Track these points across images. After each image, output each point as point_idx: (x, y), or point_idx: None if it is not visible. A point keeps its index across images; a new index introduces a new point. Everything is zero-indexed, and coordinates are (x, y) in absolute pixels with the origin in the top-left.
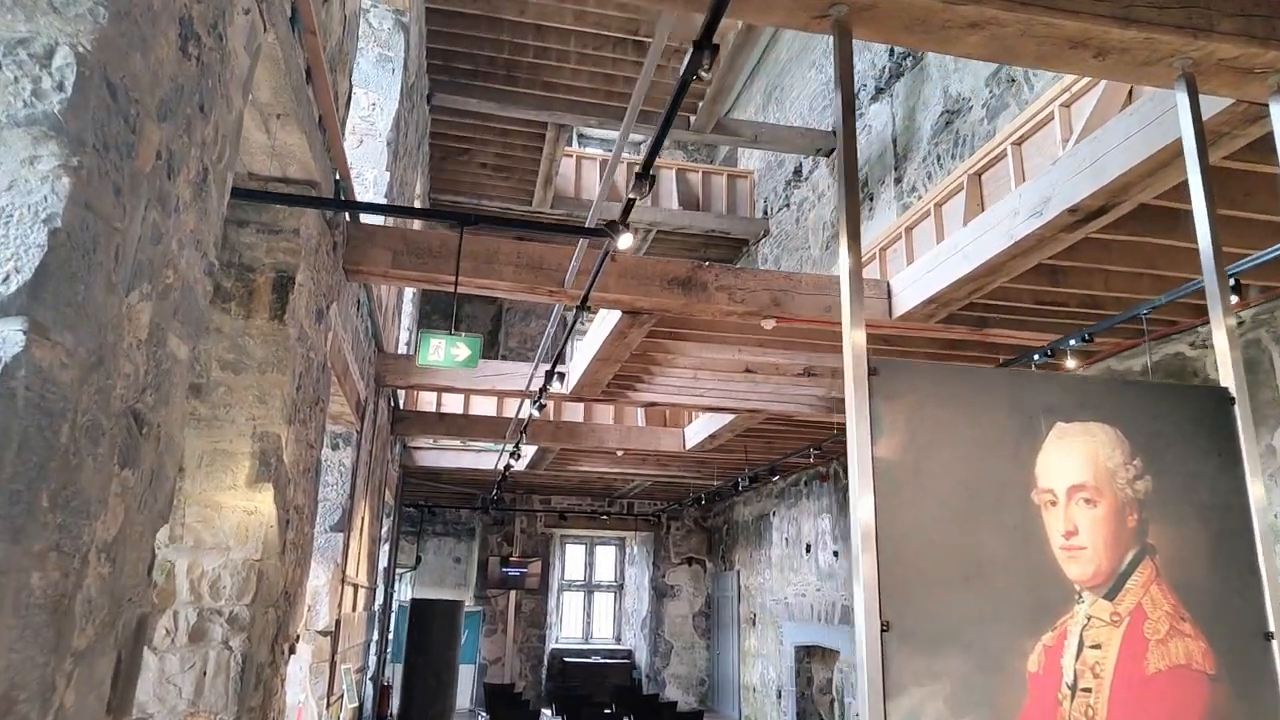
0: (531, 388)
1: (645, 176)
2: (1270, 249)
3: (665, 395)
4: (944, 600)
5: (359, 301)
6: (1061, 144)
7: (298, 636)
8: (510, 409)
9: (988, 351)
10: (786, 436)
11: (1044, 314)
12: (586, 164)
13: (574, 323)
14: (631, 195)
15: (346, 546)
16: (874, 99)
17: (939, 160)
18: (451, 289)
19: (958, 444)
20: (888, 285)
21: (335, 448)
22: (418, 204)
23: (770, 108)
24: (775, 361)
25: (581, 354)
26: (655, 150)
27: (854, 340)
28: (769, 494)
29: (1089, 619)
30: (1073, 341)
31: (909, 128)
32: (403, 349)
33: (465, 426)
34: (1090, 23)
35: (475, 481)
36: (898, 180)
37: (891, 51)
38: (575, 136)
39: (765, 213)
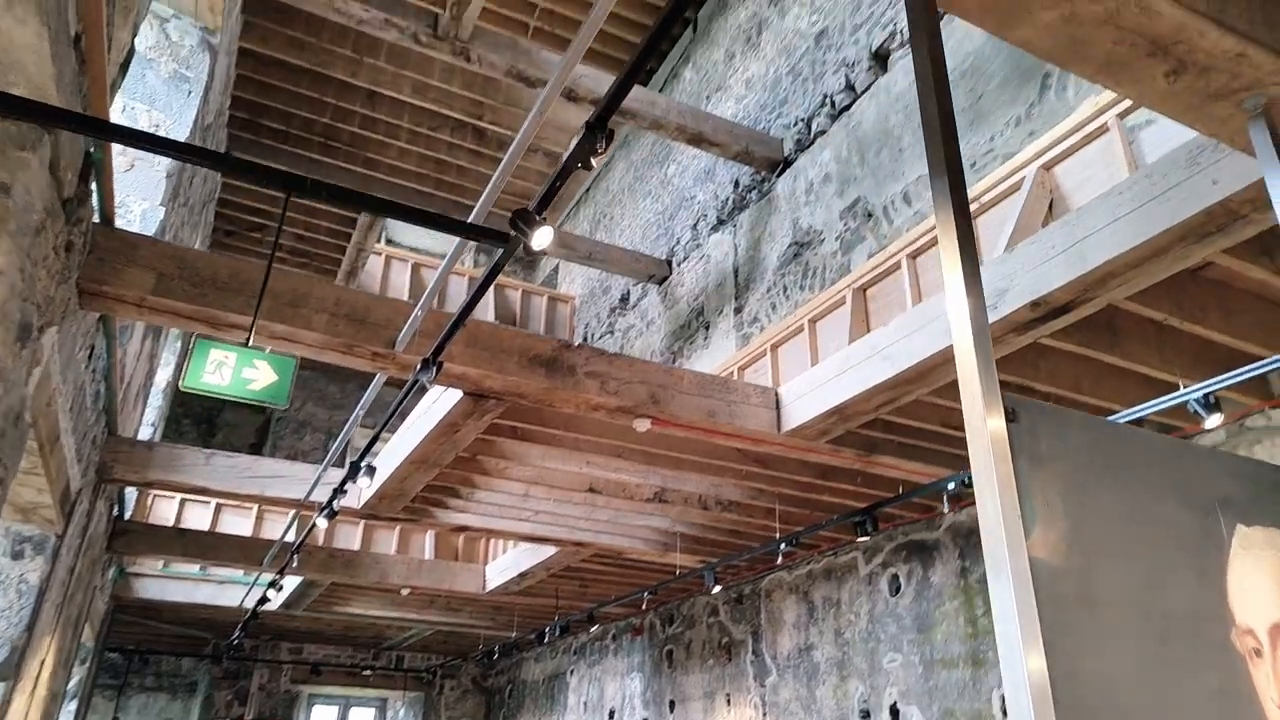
0: (316, 498)
1: (542, 213)
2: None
3: (483, 517)
4: None
5: (93, 351)
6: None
7: None
8: (272, 528)
9: (867, 485)
10: (608, 579)
11: (944, 441)
12: (397, 265)
13: (400, 401)
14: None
15: (7, 705)
16: (714, 229)
17: (785, 291)
18: (238, 338)
19: (1130, 548)
20: (776, 394)
21: (18, 555)
22: None
23: (598, 235)
24: (626, 480)
25: (389, 453)
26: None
27: (977, 351)
28: (566, 649)
29: None
30: (951, 486)
31: (753, 258)
32: (146, 430)
33: (211, 547)
34: (1189, 17)
35: (210, 623)
36: (738, 310)
37: (736, 184)
38: (384, 235)
39: (585, 339)
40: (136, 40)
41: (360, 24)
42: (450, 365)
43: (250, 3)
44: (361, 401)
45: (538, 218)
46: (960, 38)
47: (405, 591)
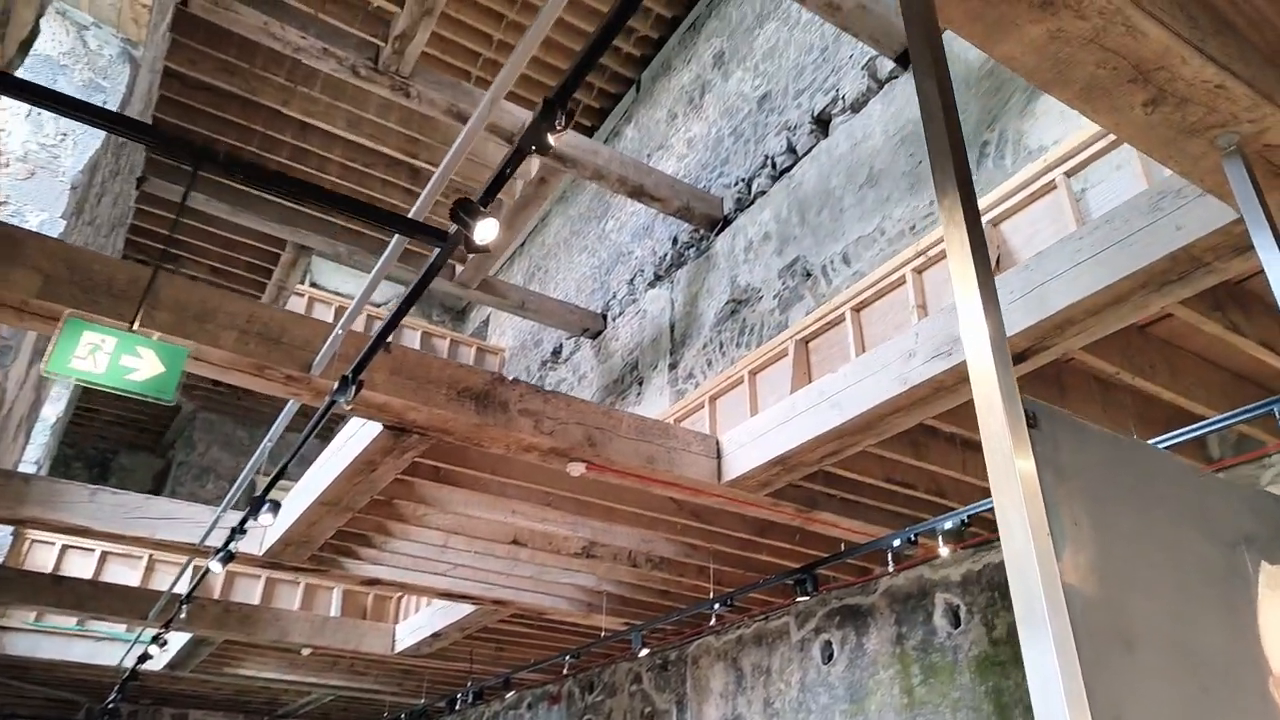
0: (214, 543)
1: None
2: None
3: (397, 570)
4: None
5: None
6: (916, 310)
7: None
8: (164, 580)
9: (806, 544)
10: (527, 642)
11: (886, 498)
12: (320, 308)
13: (313, 428)
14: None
15: None
16: (652, 284)
17: (722, 347)
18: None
19: (1159, 580)
20: (717, 443)
21: None
22: None
23: (532, 287)
24: (553, 532)
25: (298, 494)
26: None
27: (990, 331)
28: (478, 718)
29: None
30: (898, 542)
31: (690, 314)
32: (28, 468)
33: (91, 598)
34: (1173, 41)
35: (84, 684)
36: (672, 365)
37: (675, 240)
38: (308, 276)
39: None
40: (49, 44)
41: (297, 51)
42: (371, 394)
43: (180, 21)
44: (269, 433)
45: (481, 209)
46: (901, 105)
47: (306, 651)
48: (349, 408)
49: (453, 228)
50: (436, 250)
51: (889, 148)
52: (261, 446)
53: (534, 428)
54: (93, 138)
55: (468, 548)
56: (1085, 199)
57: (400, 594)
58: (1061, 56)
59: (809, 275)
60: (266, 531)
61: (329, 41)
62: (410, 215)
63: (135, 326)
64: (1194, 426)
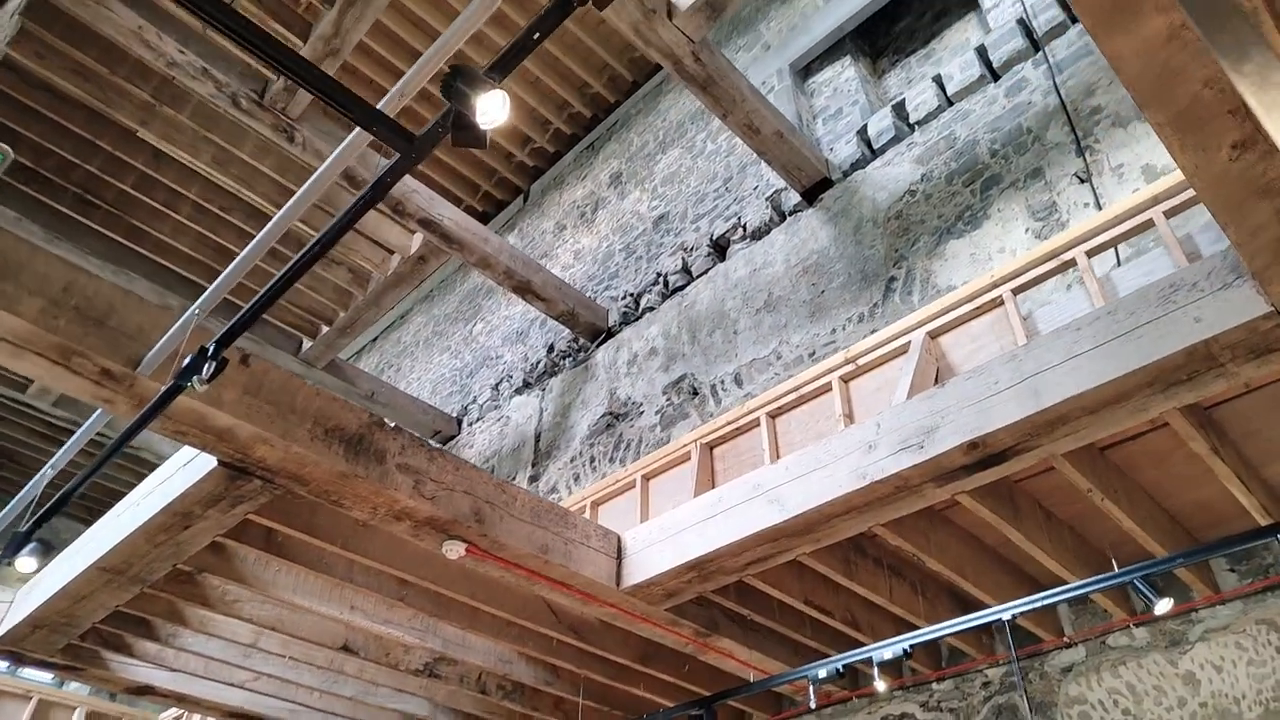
0: None
1: None
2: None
3: (180, 676)
4: None
5: None
6: (842, 419)
7: None
8: None
9: (692, 677)
10: None
11: (795, 624)
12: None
13: (122, 442)
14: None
15: None
16: (519, 391)
17: (593, 461)
18: None
19: None
20: (620, 540)
21: None
22: None
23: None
24: (395, 639)
25: (69, 556)
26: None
27: None
28: None
29: None
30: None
31: (559, 425)
32: None
33: None
34: None
35: None
36: (533, 478)
37: (551, 348)
38: None
39: None
40: None
41: (171, 66)
42: (212, 411)
43: (37, 6)
44: (55, 457)
45: (488, 78)
46: (805, 236)
47: None
48: (201, 389)
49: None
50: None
51: (790, 276)
52: (41, 473)
53: (413, 489)
54: None
55: (281, 651)
56: (1033, 318)
57: (176, 711)
58: (1172, 65)
59: (696, 393)
60: (10, 608)
61: (211, 62)
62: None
63: None
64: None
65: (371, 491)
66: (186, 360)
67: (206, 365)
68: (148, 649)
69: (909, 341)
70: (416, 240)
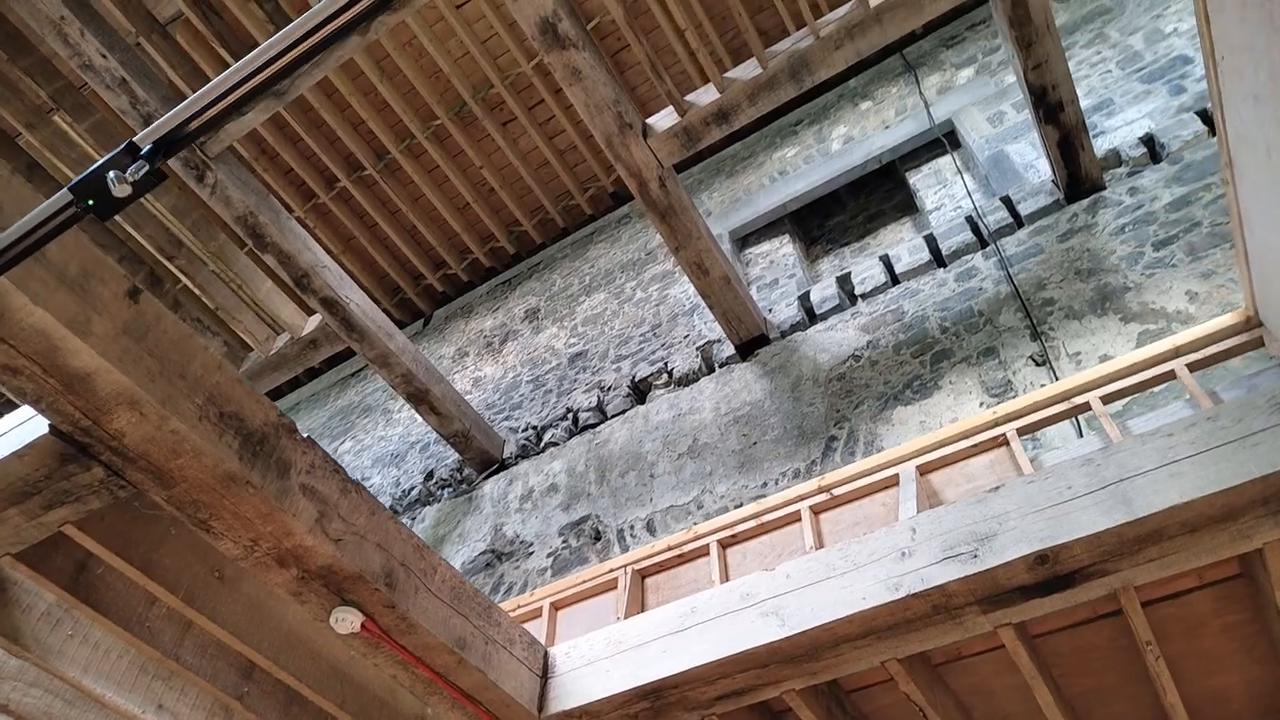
0: None
1: None
2: None
3: None
4: None
5: None
6: (811, 548)
7: None
8: None
9: None
10: None
11: None
12: None
13: None
14: None
15: None
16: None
17: None
18: None
19: None
20: (547, 655)
21: None
22: None
23: None
24: None
25: None
26: None
27: None
28: None
29: None
30: None
31: None
32: None
33: None
34: None
35: None
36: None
37: (430, 475)
38: None
39: None
40: None
41: (85, 69)
42: (72, 340)
43: None
44: None
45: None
46: (738, 387)
47: None
48: (122, 190)
49: None
50: None
51: (720, 423)
52: None
53: (315, 521)
54: None
55: None
56: (1040, 461)
57: None
58: None
59: (599, 537)
60: None
61: (133, 73)
62: None
63: None
64: None
65: (260, 512)
66: (101, 160)
67: (136, 165)
68: None
69: (897, 474)
70: (313, 321)
